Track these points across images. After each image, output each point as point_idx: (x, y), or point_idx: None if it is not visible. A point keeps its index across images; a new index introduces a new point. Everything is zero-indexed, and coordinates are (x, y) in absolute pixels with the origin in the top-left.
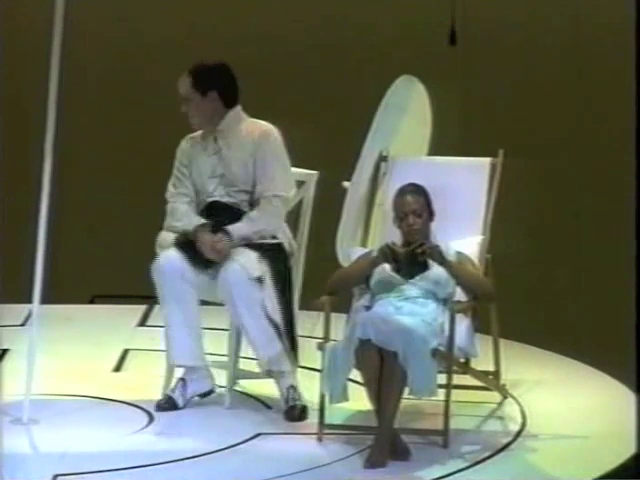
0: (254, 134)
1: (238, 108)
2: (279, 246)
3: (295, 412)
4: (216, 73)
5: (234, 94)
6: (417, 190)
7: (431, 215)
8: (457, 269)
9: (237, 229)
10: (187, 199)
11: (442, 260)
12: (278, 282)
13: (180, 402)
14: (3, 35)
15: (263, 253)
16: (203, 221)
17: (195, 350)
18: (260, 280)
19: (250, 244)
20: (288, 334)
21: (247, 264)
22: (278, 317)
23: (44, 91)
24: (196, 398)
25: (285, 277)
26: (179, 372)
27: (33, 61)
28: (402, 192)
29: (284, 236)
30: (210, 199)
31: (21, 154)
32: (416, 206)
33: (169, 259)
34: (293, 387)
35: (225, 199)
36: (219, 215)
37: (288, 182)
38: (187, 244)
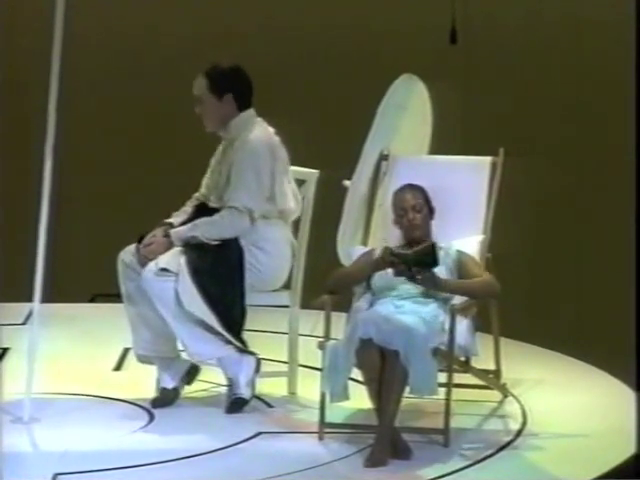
0: (238, 145)
1: (249, 112)
2: (221, 245)
3: (231, 407)
4: (232, 75)
5: (248, 97)
6: (415, 187)
7: (431, 212)
8: (455, 288)
9: (176, 232)
10: (198, 202)
11: (436, 285)
12: (207, 275)
13: (170, 385)
14: (4, 33)
15: (188, 248)
16: (171, 220)
17: (155, 341)
18: (166, 270)
19: None
20: (231, 329)
21: (160, 258)
22: (199, 310)
23: (45, 89)
24: (198, 395)
25: (213, 270)
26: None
27: (34, 53)
28: (400, 191)
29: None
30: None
31: (21, 152)
32: (414, 202)
33: (124, 252)
34: (231, 379)
35: (215, 205)
36: (203, 215)
37: (248, 195)
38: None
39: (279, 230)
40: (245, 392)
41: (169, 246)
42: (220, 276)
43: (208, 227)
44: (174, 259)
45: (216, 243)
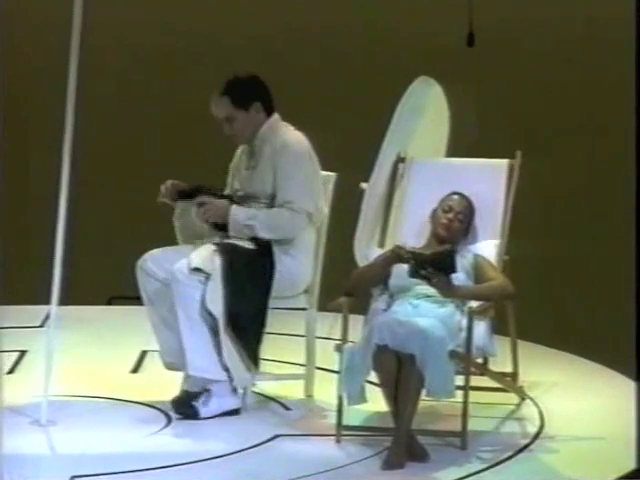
0: (276, 148)
1: (275, 116)
2: (256, 251)
3: (182, 406)
4: (252, 84)
5: (271, 102)
6: (470, 204)
7: (467, 230)
8: (468, 294)
9: (237, 212)
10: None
11: (449, 290)
12: (237, 280)
13: (193, 389)
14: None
15: (224, 250)
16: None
17: (181, 347)
18: (199, 270)
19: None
20: (247, 340)
21: (194, 255)
22: (217, 309)
23: (45, 91)
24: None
25: (247, 276)
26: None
27: (41, 59)
28: (458, 194)
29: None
30: None
31: (39, 156)
32: (462, 209)
33: (143, 259)
34: (207, 392)
35: None
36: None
37: (304, 195)
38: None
39: (308, 235)
40: (204, 412)
41: (225, 213)
42: (250, 284)
43: (268, 221)
44: (208, 260)
45: (252, 248)
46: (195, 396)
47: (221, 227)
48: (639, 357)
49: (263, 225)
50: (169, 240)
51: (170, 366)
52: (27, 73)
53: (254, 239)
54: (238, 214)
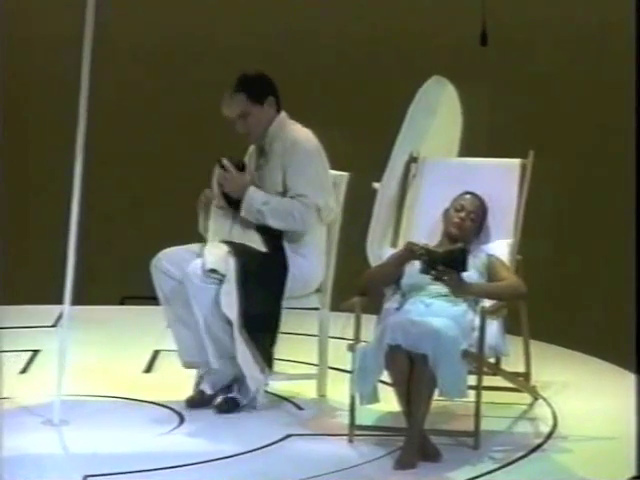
0: (286, 146)
1: (283, 114)
2: (270, 254)
3: (225, 406)
4: (265, 79)
5: (280, 98)
6: (482, 204)
7: (479, 230)
8: (480, 292)
9: (253, 196)
10: None
11: (461, 288)
12: (252, 281)
13: (208, 391)
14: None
15: (238, 251)
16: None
17: (199, 345)
18: (214, 272)
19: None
20: (260, 341)
21: (207, 255)
22: (232, 313)
23: (51, 92)
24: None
25: (260, 278)
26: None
27: (41, 59)
28: (471, 193)
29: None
30: None
31: (50, 156)
32: (474, 208)
33: (157, 258)
34: (240, 380)
35: None
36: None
37: (315, 190)
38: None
39: (320, 234)
40: (243, 401)
41: (242, 190)
42: (264, 286)
43: (279, 209)
44: (223, 260)
45: (265, 249)
46: (210, 398)
47: (231, 202)
48: (639, 350)
49: (274, 212)
50: (181, 239)
51: (189, 365)
52: (27, 73)
53: (266, 239)
54: (255, 197)
